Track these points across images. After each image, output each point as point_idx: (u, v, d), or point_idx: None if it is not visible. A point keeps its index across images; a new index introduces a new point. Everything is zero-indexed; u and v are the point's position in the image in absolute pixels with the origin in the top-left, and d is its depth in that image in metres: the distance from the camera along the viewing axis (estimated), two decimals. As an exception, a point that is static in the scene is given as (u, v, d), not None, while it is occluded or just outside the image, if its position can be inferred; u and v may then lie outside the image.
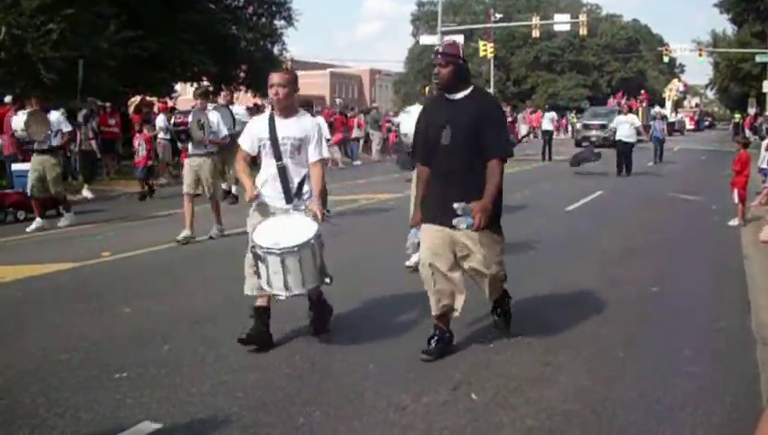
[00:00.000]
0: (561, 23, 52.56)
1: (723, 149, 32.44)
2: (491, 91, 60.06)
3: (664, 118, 30.62)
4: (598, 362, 5.53)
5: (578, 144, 37.50)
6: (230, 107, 14.35)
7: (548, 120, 31.97)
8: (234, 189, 14.31)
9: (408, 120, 9.22)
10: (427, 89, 11.42)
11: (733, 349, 5.86)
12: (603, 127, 35.99)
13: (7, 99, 17.31)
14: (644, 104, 48.36)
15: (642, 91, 55.29)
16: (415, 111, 9.03)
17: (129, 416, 4.49)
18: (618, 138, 22.83)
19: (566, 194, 16.72)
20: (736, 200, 12.39)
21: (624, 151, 22.36)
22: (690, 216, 13.75)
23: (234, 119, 13.60)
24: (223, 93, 15.96)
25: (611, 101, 51.29)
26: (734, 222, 12.22)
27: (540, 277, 8.43)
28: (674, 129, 55.74)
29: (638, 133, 23.95)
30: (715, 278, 8.51)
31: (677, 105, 72.54)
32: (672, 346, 5.91)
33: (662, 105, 58.75)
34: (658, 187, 18.74)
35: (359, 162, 28.51)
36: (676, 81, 69.78)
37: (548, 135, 30.55)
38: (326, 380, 5.09)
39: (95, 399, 4.75)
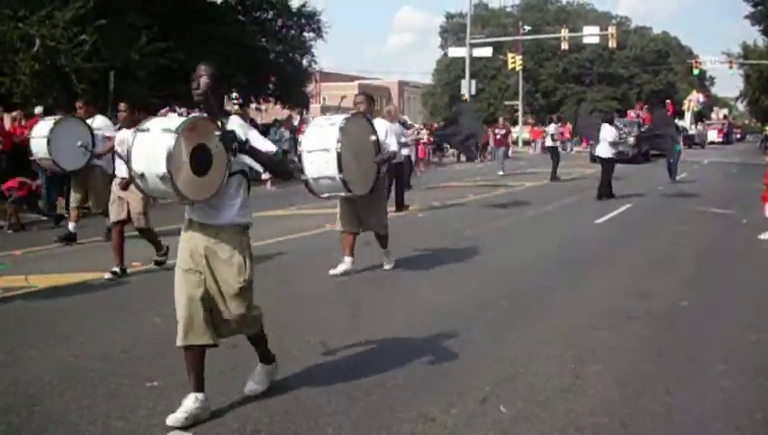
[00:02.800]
0: (591, 35, 52.48)
1: (753, 162, 32.13)
2: (519, 103, 60.28)
3: (681, 130, 26.81)
4: (627, 374, 5.51)
5: (593, 160, 36.54)
6: (87, 121, 11.85)
7: (549, 135, 27.11)
8: (72, 227, 11.79)
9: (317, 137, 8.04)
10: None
11: (765, 363, 5.80)
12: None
13: (38, 110, 17.52)
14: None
15: (667, 102, 53.96)
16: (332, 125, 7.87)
17: (160, 424, 4.52)
18: (596, 153, 19.52)
19: (595, 207, 16.66)
20: (767, 214, 12.29)
21: (603, 169, 18.77)
22: (720, 229, 13.64)
23: (92, 134, 11.57)
24: (78, 104, 12.45)
25: (631, 113, 49.75)
26: (765, 235, 12.11)
27: (570, 289, 8.44)
28: (693, 142, 54.89)
29: (615, 145, 18.89)
30: (746, 292, 8.42)
31: (700, 117, 71.63)
32: (702, 360, 5.87)
33: (681, 117, 57.82)
34: (688, 200, 18.58)
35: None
36: (695, 92, 68.64)
37: (552, 152, 25.92)
38: (355, 391, 5.11)
39: (126, 407, 4.80)
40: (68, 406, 4.84)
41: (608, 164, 18.58)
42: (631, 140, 34.66)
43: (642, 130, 36.74)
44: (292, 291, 8.28)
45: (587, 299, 7.95)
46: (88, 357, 5.87)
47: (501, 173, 27.49)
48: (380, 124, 9.38)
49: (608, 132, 18.66)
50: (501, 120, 32.80)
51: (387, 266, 9.56)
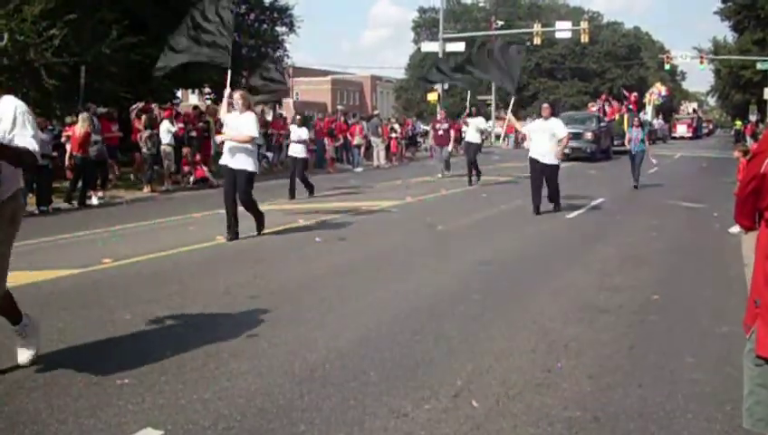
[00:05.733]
0: (563, 30, 52.67)
1: (723, 156, 32.41)
2: (492, 98, 60.56)
3: (643, 125, 22.67)
4: (599, 368, 5.53)
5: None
6: None
7: (473, 129, 22.77)
8: None
9: None
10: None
11: (734, 356, 5.84)
12: (578, 136, 30.61)
13: None
14: (630, 109, 44.42)
15: (633, 95, 52.46)
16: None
17: (131, 422, 4.49)
18: (530, 156, 15.20)
19: (567, 201, 16.72)
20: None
21: (540, 174, 15.01)
22: (691, 223, 13.75)
23: None
24: None
25: (592, 106, 47.93)
26: (735, 229, 12.21)
27: (542, 284, 8.46)
28: (656, 136, 54.83)
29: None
30: (716, 285, 8.50)
31: (670, 111, 71.87)
32: (673, 353, 5.92)
33: (644, 110, 57.76)
34: (660, 194, 18.73)
35: (360, 169, 28.47)
36: (658, 84, 68.75)
37: (472, 148, 22.31)
38: (327, 386, 5.09)
39: (97, 405, 4.75)
40: (38, 405, 4.79)
41: (553, 169, 15.14)
42: (589, 135, 34.16)
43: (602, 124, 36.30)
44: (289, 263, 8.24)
45: (559, 293, 7.98)
46: (58, 355, 5.80)
47: (442, 175, 24.33)
48: (6, 103, 5.06)
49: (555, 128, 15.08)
50: (441, 112, 26.94)
51: (22, 358, 5.60)
